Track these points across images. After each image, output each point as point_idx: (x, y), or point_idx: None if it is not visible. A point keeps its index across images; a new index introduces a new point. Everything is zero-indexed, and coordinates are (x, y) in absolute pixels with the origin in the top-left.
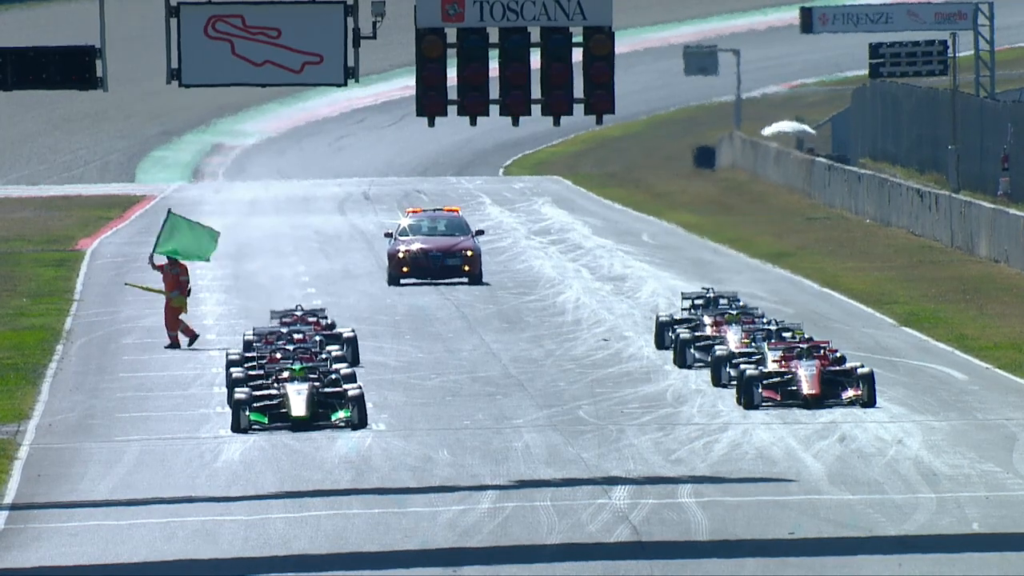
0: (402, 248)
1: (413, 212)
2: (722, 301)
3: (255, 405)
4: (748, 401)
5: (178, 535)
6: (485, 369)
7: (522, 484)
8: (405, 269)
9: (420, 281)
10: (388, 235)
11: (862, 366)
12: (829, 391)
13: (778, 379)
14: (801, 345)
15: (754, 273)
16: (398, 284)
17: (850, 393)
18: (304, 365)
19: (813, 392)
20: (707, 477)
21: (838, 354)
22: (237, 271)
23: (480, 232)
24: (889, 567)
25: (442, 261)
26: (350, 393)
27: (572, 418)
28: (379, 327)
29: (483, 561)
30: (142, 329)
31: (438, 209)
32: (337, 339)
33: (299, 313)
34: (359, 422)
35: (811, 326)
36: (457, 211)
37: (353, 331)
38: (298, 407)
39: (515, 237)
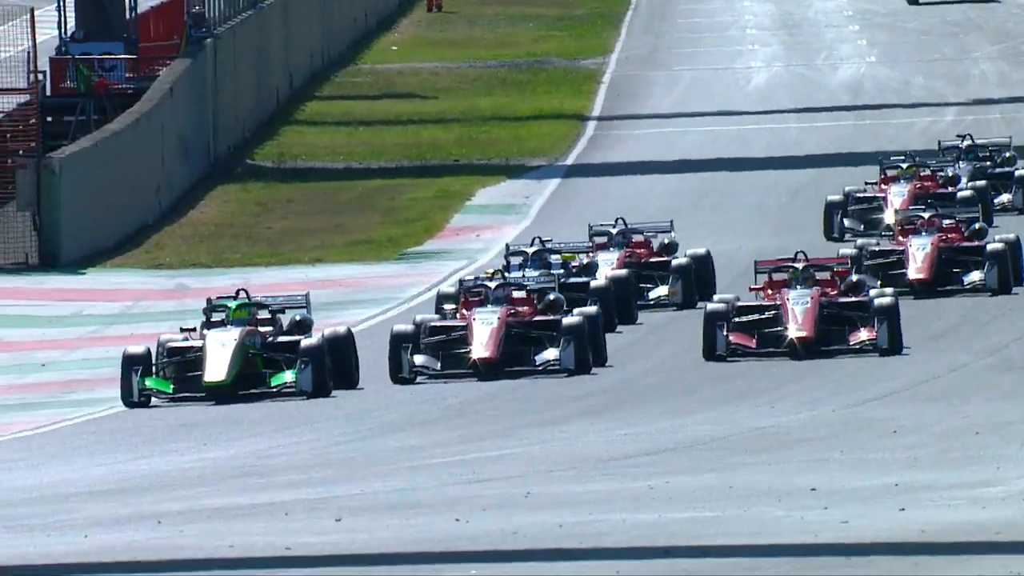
0: None
1: None
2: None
3: (165, 360)
4: (709, 350)
5: (719, 140)
6: (952, 14)
7: (978, 102)
8: None
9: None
10: None
11: (882, 295)
12: (828, 333)
13: (756, 316)
14: (796, 265)
15: None
16: None
17: (862, 335)
18: (247, 301)
19: (803, 335)
20: None
21: (854, 279)
22: None
23: None
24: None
25: None
26: (302, 344)
27: (1018, 52)
28: None
29: None
30: None
31: None
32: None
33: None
34: (313, 389)
35: None
36: None
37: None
38: (214, 369)
39: None
